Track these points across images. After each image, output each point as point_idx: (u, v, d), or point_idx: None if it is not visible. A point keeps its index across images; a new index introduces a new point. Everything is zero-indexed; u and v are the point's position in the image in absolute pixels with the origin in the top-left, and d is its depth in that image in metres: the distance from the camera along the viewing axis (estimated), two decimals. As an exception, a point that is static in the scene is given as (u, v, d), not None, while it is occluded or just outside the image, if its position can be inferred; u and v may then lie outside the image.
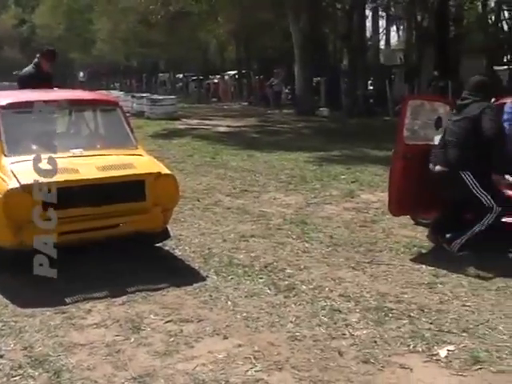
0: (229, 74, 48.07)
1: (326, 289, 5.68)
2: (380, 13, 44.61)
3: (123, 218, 6.16)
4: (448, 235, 6.57)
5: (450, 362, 4.34)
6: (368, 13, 39.32)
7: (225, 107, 37.01)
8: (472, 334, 4.76)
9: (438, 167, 6.53)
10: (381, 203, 8.80)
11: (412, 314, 5.10)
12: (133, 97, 30.29)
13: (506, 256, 6.57)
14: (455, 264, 6.35)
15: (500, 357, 4.42)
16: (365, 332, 4.76)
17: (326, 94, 32.50)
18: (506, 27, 47.48)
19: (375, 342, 4.60)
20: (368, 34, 39.67)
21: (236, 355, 4.42)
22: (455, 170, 6.35)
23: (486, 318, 5.07)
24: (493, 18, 39.56)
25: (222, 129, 22.55)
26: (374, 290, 5.65)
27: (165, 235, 6.69)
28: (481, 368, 4.26)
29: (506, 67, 35.44)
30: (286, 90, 38.70)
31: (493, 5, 40.59)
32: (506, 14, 46.05)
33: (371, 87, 37.27)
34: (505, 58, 43.14)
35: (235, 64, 49.65)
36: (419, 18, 39.57)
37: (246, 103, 39.87)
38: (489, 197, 6.22)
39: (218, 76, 47.79)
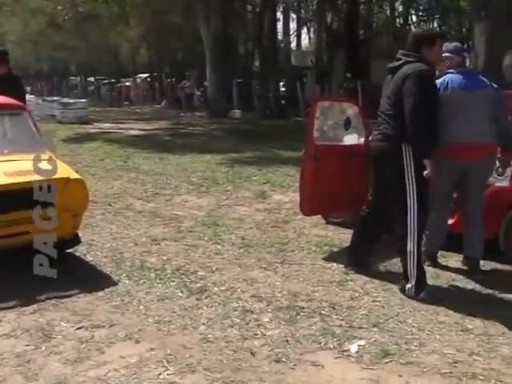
0: (141, 77, 47.71)
1: (238, 290, 5.69)
2: (291, 15, 45.08)
3: (32, 225, 6.02)
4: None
5: (361, 356, 4.41)
6: (279, 15, 39.69)
7: (137, 110, 36.69)
8: (382, 329, 4.86)
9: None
10: (292, 203, 8.89)
11: (323, 312, 5.16)
12: (43, 100, 29.68)
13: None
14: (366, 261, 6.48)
15: (409, 349, 4.53)
16: (277, 331, 4.79)
17: (238, 96, 32.61)
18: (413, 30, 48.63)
19: (287, 341, 4.63)
20: (279, 36, 40.01)
21: (148, 359, 4.37)
22: (393, 142, 5.68)
23: (395, 312, 5.19)
24: (401, 21, 40.47)
25: (134, 132, 22.33)
26: (286, 289, 5.70)
27: (75, 241, 6.57)
28: (391, 361, 4.35)
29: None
30: (198, 93, 38.63)
31: (401, 9, 41.57)
32: (414, 17, 47.25)
33: (283, 89, 37.61)
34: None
35: (147, 67, 49.33)
36: (329, 20, 40.14)
37: (158, 106, 39.61)
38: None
39: (130, 79, 47.37)
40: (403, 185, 5.56)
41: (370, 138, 6.11)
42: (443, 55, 6.13)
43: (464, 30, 41.60)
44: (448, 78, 6.01)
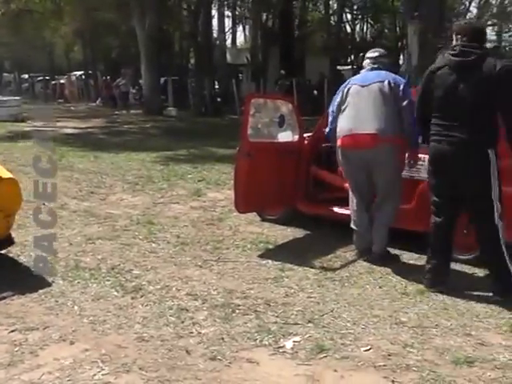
0: (75, 75, 47.05)
1: (174, 288, 5.65)
2: (226, 12, 45.10)
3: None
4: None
5: (296, 352, 4.43)
6: (214, 12, 39.63)
7: (72, 108, 36.18)
8: (317, 324, 4.89)
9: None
10: (227, 201, 8.89)
11: (258, 309, 5.17)
12: (-24, 98, 28.97)
13: (351, 247, 6.79)
14: (301, 258, 6.54)
15: (344, 343, 4.56)
16: (212, 329, 4.77)
17: (174, 94, 32.48)
18: (348, 29, 49.36)
19: (222, 338, 4.62)
20: (214, 33, 39.99)
21: (83, 360, 4.31)
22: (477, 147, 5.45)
23: (330, 308, 5.23)
24: (335, 19, 40.87)
25: (68, 130, 21.99)
26: (221, 287, 5.69)
27: (8, 242, 6.44)
28: (326, 356, 4.37)
29: (349, 67, 36.80)
30: (134, 91, 38.36)
31: (335, 7, 42.02)
32: (349, 16, 47.86)
33: (218, 86, 37.59)
34: (348, 58, 44.77)
35: (82, 64, 48.73)
36: (264, 18, 40.31)
37: (93, 104, 39.15)
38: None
39: (65, 76, 46.67)
40: (488, 193, 5.47)
41: (433, 144, 5.67)
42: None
43: (398, 29, 42.29)
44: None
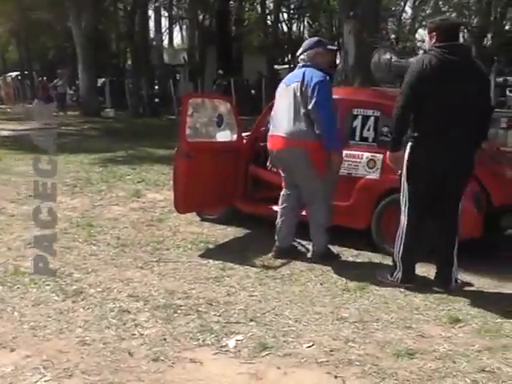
0: (11, 76, 46.11)
1: (115, 290, 5.60)
2: (162, 12, 44.87)
3: None
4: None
5: (239, 351, 4.43)
6: (150, 13, 39.40)
7: (8, 110, 35.43)
8: (259, 322, 4.91)
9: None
10: (167, 202, 8.85)
11: (200, 309, 5.16)
12: None
13: (292, 245, 6.84)
14: (242, 257, 6.57)
15: (286, 341, 4.59)
16: (154, 330, 4.74)
17: (111, 95, 32.18)
18: (285, 28, 49.62)
19: (165, 339, 4.60)
20: (151, 33, 39.75)
21: (24, 367, 4.23)
22: (470, 147, 5.67)
23: (272, 306, 5.25)
24: (272, 18, 41.04)
25: (5, 133, 21.54)
26: (163, 288, 5.66)
27: None
28: (269, 353, 4.39)
29: (286, 66, 36.93)
30: (71, 92, 37.85)
31: (272, 6, 42.16)
32: (285, 15, 48.10)
33: (156, 87, 37.41)
34: (286, 57, 44.98)
35: (17, 65, 47.82)
36: (201, 17, 40.22)
37: (30, 105, 38.46)
38: None
39: (0, 77, 45.71)
40: (463, 191, 5.83)
41: (426, 144, 5.55)
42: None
43: (334, 28, 42.67)
44: None
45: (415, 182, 5.65)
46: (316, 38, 6.81)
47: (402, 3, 45.23)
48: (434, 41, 5.55)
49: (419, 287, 5.80)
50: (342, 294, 5.60)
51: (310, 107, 6.09)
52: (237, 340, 4.59)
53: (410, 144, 5.60)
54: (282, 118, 6.31)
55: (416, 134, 5.55)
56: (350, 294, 5.60)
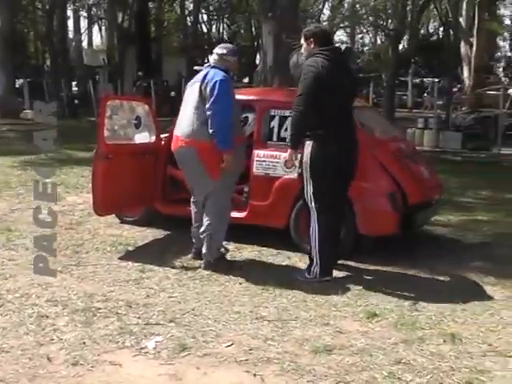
0: None
1: (33, 295, 5.51)
2: (82, 13, 44.27)
3: None
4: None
5: (159, 352, 4.43)
6: (69, 13, 38.83)
7: None
8: (179, 323, 4.92)
9: None
10: (86, 204, 8.74)
11: (120, 311, 5.13)
12: None
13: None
14: (161, 258, 6.56)
15: (206, 341, 4.62)
16: (73, 334, 4.69)
17: (30, 96, 31.54)
18: (204, 29, 49.59)
19: (84, 343, 4.56)
20: (70, 34, 39.18)
21: None
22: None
23: (191, 307, 5.27)
24: (191, 19, 40.98)
25: None
26: (82, 291, 5.60)
27: None
28: (188, 354, 4.41)
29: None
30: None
31: (191, 7, 42.09)
32: (205, 16, 48.07)
33: (76, 88, 36.88)
34: (206, 58, 44.92)
35: None
36: (120, 18, 39.86)
37: None
38: None
39: None
40: None
41: (335, 140, 5.94)
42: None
43: (254, 29, 42.87)
44: None
45: (320, 179, 5.92)
46: (237, 47, 7.04)
47: (321, 5, 45.80)
48: (313, 46, 6.03)
49: (338, 285, 5.92)
50: (261, 293, 5.66)
51: (206, 106, 6.07)
52: (156, 341, 4.59)
53: (311, 142, 5.90)
54: (182, 118, 6.33)
55: (319, 132, 5.88)
56: (269, 292, 5.66)
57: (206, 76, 6.17)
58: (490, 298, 5.77)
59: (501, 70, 55.74)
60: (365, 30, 49.80)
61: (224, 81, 6.10)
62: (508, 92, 24.07)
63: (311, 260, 6.09)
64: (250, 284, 5.88)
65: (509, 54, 57.30)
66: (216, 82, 6.05)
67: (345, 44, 51.04)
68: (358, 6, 36.21)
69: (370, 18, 33.77)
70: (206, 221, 6.30)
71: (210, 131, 6.04)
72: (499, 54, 57.47)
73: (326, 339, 4.69)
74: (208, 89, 6.07)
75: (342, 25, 42.17)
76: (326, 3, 45.06)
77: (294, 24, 14.94)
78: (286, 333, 4.79)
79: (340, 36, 53.92)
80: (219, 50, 6.42)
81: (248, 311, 5.20)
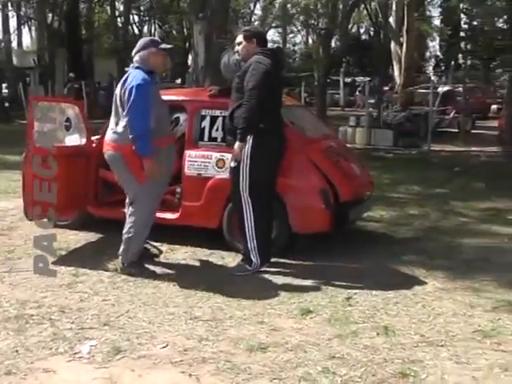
0: None
1: (-36, 304, 5.40)
2: (10, 13, 43.33)
3: None
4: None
5: (93, 356, 4.39)
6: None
7: None
8: (113, 326, 4.89)
9: None
10: (18, 210, 8.57)
11: (53, 317, 5.06)
12: None
13: (145, 248, 6.79)
14: (95, 261, 6.51)
15: (140, 343, 4.60)
16: (6, 343, 4.60)
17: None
18: (136, 30, 49.21)
19: (17, 351, 4.47)
20: (-1, 34, 38.42)
21: None
22: None
23: (126, 309, 5.25)
24: (122, 20, 40.62)
25: None
26: (14, 298, 5.50)
27: None
28: (123, 357, 4.38)
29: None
30: None
31: (122, 8, 41.71)
32: (136, 17, 47.69)
33: (6, 90, 36.21)
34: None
35: None
36: (50, 19, 39.24)
37: None
38: None
39: None
40: None
41: (273, 135, 6.27)
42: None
43: (185, 30, 42.74)
44: None
45: (259, 171, 6.09)
46: (149, 38, 6.74)
47: (252, 5, 45.95)
48: (254, 45, 6.25)
49: (272, 282, 5.99)
50: (196, 293, 5.65)
51: (124, 113, 6.00)
52: (90, 345, 4.55)
53: (252, 135, 6.06)
54: (109, 121, 6.28)
55: (261, 126, 6.06)
56: (203, 293, 5.66)
57: (126, 79, 6.08)
58: (421, 290, 5.90)
59: (431, 69, 56.97)
60: (296, 30, 50.22)
61: (140, 85, 5.92)
62: (437, 90, 24.63)
63: (245, 256, 6.28)
64: (185, 285, 5.87)
65: (438, 53, 58.54)
66: (132, 87, 5.91)
67: (277, 44, 51.30)
68: (289, 5, 36.41)
69: (301, 18, 34.03)
70: (128, 223, 6.22)
71: (129, 137, 5.94)
72: (429, 53, 58.75)
73: (261, 337, 4.72)
74: (126, 94, 5.96)
75: (273, 25, 42.43)
76: (257, 3, 45.26)
77: (224, 24, 14.97)
78: (221, 332, 4.81)
79: (272, 36, 54.20)
80: (136, 47, 6.28)
81: (182, 312, 5.20)
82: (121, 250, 6.24)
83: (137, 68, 6.12)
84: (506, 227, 8.48)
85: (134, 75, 6.03)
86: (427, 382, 4.07)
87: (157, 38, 6.83)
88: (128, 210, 6.32)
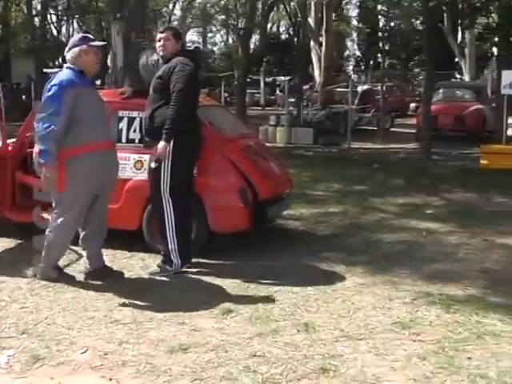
0: None
1: None
2: None
3: None
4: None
5: (11, 366, 4.29)
6: None
7: None
8: (31, 334, 4.79)
9: None
10: None
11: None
12: None
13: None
14: (11, 268, 6.36)
15: (60, 349, 4.53)
16: None
17: None
18: (54, 31, 48.35)
19: None
20: None
21: None
22: None
23: (44, 316, 5.15)
24: (40, 20, 39.84)
25: None
26: None
27: None
28: (42, 365, 4.30)
29: (57, 69, 36.04)
30: None
31: (39, 7, 40.93)
32: (54, 17, 46.85)
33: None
34: (56, 60, 43.88)
35: None
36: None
37: None
38: None
39: None
40: None
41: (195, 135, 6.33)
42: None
43: (105, 30, 42.20)
44: None
45: (180, 172, 6.14)
46: (80, 35, 6.46)
47: (171, 5, 45.74)
48: (179, 46, 6.34)
49: (193, 283, 6.00)
50: (116, 296, 5.60)
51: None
52: (8, 355, 4.45)
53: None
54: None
55: (184, 126, 6.10)
56: (123, 295, 5.61)
57: (51, 80, 5.83)
58: (341, 285, 6.00)
59: (350, 68, 57.85)
60: (215, 30, 50.25)
61: (57, 85, 5.65)
62: (357, 89, 25.04)
63: (166, 257, 6.27)
64: (105, 288, 5.80)
65: (357, 53, 59.47)
66: (48, 88, 5.67)
67: (196, 44, 51.24)
68: (208, 5, 36.42)
69: (221, 18, 34.10)
70: (49, 228, 6.00)
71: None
72: (348, 53, 59.64)
73: (182, 338, 4.72)
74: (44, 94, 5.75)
75: (193, 25, 42.33)
76: (177, 3, 45.05)
77: (143, 24, 14.90)
78: (142, 334, 4.78)
79: (191, 36, 54.06)
80: (68, 45, 5.99)
81: (102, 316, 5.14)
82: (42, 255, 6.04)
83: (67, 68, 5.85)
84: (424, 221, 8.70)
85: (58, 75, 5.81)
86: (347, 376, 4.14)
87: (89, 35, 6.50)
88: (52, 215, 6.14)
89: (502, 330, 4.90)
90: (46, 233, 6.01)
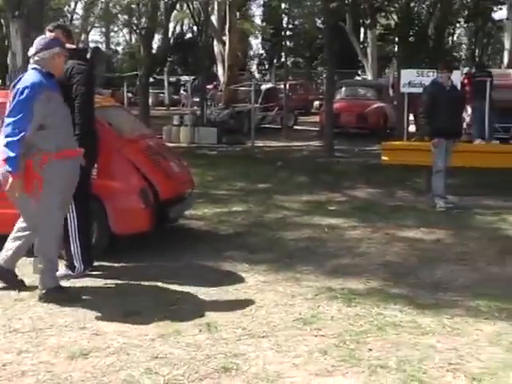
0: None
1: None
2: None
3: None
4: None
5: None
6: None
7: None
8: None
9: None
10: None
11: None
12: None
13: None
14: None
15: None
16: None
17: None
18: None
19: None
20: None
21: None
22: None
23: None
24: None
25: None
26: None
27: None
28: None
29: None
30: None
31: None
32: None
33: None
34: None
35: None
36: None
37: None
38: None
39: None
40: None
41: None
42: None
43: (4, 28, 41.03)
44: None
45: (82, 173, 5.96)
46: (50, 37, 5.95)
47: (73, 4, 44.86)
48: (71, 45, 6.25)
49: (94, 286, 5.96)
50: (15, 304, 5.47)
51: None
52: None
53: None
54: None
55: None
56: (23, 303, 5.49)
57: (18, 82, 5.44)
58: (243, 284, 6.06)
59: (254, 67, 58.16)
60: (116, 29, 49.54)
61: (29, 87, 5.28)
62: (261, 88, 25.22)
63: (68, 261, 6.18)
64: (3, 296, 5.65)
65: (261, 51, 59.77)
66: (16, 91, 5.30)
67: (99, 44, 50.48)
68: (111, 4, 35.89)
69: (123, 17, 33.67)
70: (37, 249, 5.66)
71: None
72: (252, 52, 59.89)
73: (83, 343, 4.66)
74: (12, 97, 5.34)
75: (96, 24, 41.65)
76: (79, 2, 44.22)
77: (41, 23, 14.58)
78: (41, 342, 4.69)
79: (94, 36, 53.18)
80: (36, 46, 5.57)
81: (1, 325, 5.01)
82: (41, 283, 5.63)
83: (34, 69, 5.46)
84: (327, 218, 8.85)
85: (27, 77, 5.42)
86: (249, 374, 4.17)
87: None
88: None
89: (402, 321, 5.07)
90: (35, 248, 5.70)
